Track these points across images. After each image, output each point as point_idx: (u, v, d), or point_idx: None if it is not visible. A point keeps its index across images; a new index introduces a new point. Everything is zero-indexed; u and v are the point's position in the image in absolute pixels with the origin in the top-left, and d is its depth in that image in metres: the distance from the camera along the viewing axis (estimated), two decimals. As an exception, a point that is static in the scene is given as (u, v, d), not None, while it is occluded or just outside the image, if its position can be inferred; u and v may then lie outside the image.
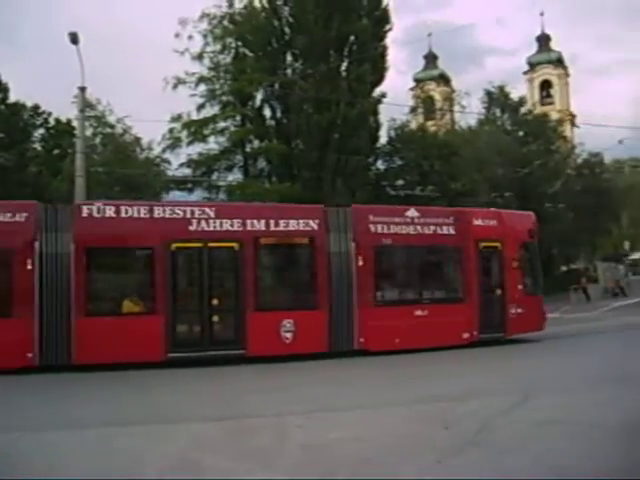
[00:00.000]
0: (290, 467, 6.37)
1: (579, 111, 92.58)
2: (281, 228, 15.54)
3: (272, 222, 15.46)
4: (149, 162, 31.65)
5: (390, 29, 35.25)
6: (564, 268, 49.84)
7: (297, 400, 9.79)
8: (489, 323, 17.01)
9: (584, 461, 6.21)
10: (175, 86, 32.74)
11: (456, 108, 49.82)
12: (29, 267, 13.61)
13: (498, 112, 47.28)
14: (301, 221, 15.73)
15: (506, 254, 17.62)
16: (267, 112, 34.72)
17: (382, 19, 34.62)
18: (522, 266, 17.99)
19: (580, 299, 35.80)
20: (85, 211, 14.41)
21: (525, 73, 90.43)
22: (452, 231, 16.96)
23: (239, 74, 32.85)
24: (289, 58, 34.60)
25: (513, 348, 16.64)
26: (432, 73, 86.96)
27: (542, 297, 18.55)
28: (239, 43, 34.12)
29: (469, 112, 44.66)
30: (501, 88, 46.76)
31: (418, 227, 16.65)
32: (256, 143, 33.96)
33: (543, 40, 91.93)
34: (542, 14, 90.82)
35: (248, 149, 33.83)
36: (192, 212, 15.00)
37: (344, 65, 33.14)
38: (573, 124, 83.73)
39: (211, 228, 14.95)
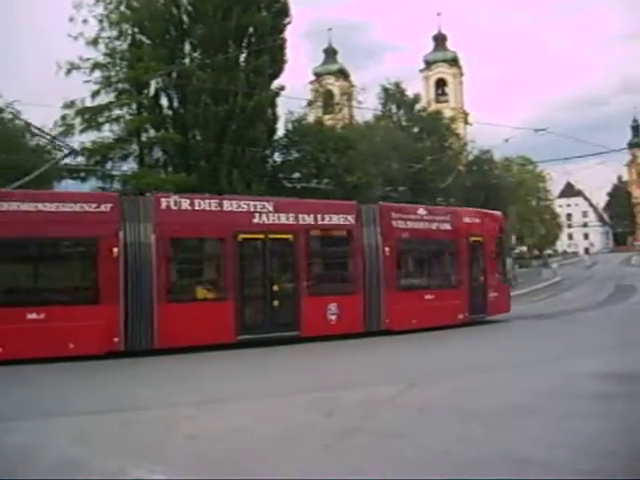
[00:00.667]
0: (174, 459, 6.36)
1: (474, 109, 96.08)
2: (326, 222, 17.56)
3: (319, 216, 17.44)
4: (40, 149, 30.57)
5: (290, 22, 35.26)
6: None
7: (190, 392, 9.85)
8: (476, 306, 20.30)
9: (460, 444, 6.58)
10: (69, 71, 31.67)
11: (354, 103, 50.85)
12: (115, 255, 14.51)
13: (394, 108, 48.38)
14: (341, 216, 17.82)
15: (486, 247, 21.13)
16: (164, 101, 34.17)
17: (281, 12, 34.59)
18: (497, 258, 21.80)
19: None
20: (164, 203, 15.51)
21: (421, 71, 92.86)
22: (450, 227, 20.12)
23: (135, 61, 32.17)
24: (187, 47, 34.13)
25: (403, 339, 17.26)
26: (331, 67, 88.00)
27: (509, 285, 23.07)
28: (136, 30, 33.34)
29: (365, 107, 45.49)
30: (397, 84, 47.87)
31: (427, 223, 19.68)
32: (152, 132, 33.33)
33: (439, 39, 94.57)
34: (439, 14, 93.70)
35: (144, 138, 33.16)
36: (255, 206, 16.65)
37: (243, 56, 32.98)
38: (466, 122, 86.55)
39: (270, 221, 16.66)
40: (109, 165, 33.25)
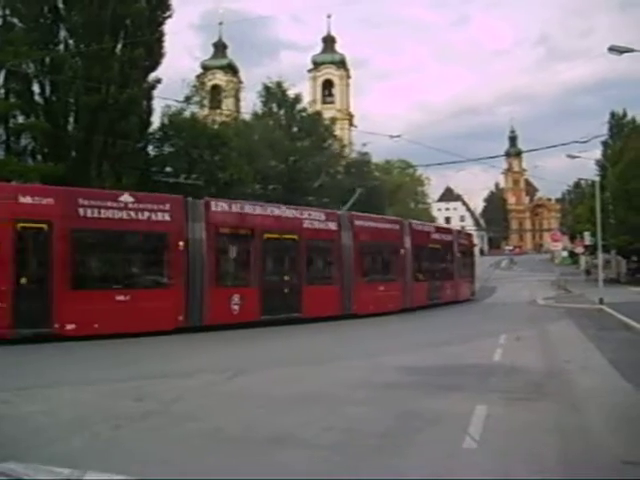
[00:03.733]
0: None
1: (359, 111, 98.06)
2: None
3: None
4: None
5: (170, 15, 35.16)
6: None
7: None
8: (466, 292, 32.54)
9: (240, 425, 7.27)
10: None
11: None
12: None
13: (275, 107, 48.92)
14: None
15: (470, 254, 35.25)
16: (36, 88, 33.35)
17: (161, 4, 34.46)
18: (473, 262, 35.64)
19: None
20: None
21: (310, 71, 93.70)
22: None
23: (6, 45, 31.29)
24: (62, 34, 33.47)
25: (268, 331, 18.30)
26: (220, 62, 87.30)
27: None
28: (7, 11, 32.45)
29: (244, 112, 45.92)
30: (279, 84, 48.37)
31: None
32: (21, 119, 32.50)
33: (328, 41, 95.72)
34: (329, 16, 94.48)
35: (11, 124, 32.31)
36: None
37: (119, 47, 32.63)
38: (351, 124, 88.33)
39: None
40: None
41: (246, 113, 49.46)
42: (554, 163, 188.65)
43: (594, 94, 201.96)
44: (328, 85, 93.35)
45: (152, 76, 33.91)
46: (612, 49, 26.41)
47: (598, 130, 70.11)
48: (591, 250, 42.68)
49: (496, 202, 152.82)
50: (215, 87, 60.32)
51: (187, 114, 37.69)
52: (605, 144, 57.56)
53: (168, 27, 34.75)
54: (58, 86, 31.56)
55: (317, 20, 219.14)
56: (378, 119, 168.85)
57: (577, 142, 34.47)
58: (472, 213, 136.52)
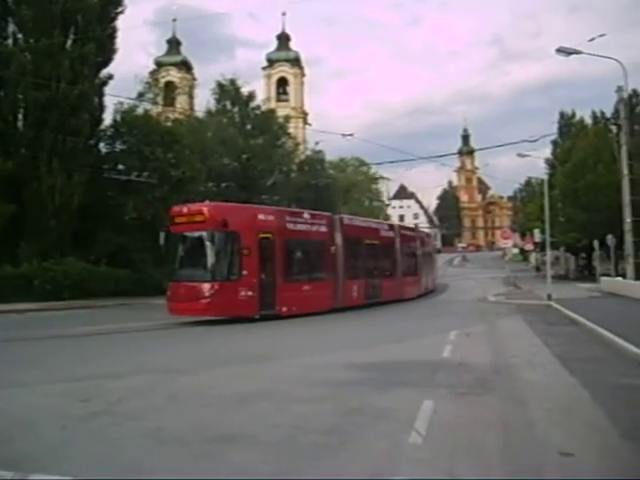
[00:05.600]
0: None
1: (314, 110, 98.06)
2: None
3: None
4: None
5: (122, 11, 34.81)
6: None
7: None
8: (412, 290, 33.24)
9: (185, 424, 7.29)
10: None
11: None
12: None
13: (229, 104, 48.65)
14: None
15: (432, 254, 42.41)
16: (-17, 82, 32.63)
17: (113, 0, 34.17)
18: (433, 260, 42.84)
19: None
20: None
21: (264, 69, 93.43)
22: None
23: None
24: (11, 28, 32.83)
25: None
26: (174, 59, 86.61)
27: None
28: (-49, 5, 31.73)
29: (197, 109, 45.56)
30: (232, 81, 48.12)
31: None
32: (-35, 115, 31.79)
33: (283, 39, 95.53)
34: (284, 14, 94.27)
35: (-45, 120, 31.57)
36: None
37: (69, 43, 32.15)
38: (305, 122, 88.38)
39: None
40: None
41: (200, 111, 49.28)
42: (506, 162, 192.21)
43: (544, 94, 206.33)
44: (282, 83, 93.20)
45: (104, 72, 33.67)
46: (560, 50, 27.04)
47: (548, 129, 71.41)
48: (541, 247, 43.45)
49: (449, 200, 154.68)
50: (169, 84, 60.04)
51: (140, 111, 37.36)
52: (555, 143, 58.75)
53: (121, 23, 34.58)
54: (6, 82, 31.03)
55: (273, 18, 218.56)
56: (333, 118, 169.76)
57: (527, 141, 35.31)
58: (426, 211, 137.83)
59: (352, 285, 25.99)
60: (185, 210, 20.57)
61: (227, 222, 19.71)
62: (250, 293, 20.23)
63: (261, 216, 22.01)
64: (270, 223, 22.00)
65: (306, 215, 24.71)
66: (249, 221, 21.07)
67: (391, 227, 34.40)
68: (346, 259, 25.66)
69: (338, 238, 25.29)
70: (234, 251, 20.08)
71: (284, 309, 21.28)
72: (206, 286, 19.48)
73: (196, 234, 20.24)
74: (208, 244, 19.78)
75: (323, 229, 24.85)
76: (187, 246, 20.92)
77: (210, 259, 19.80)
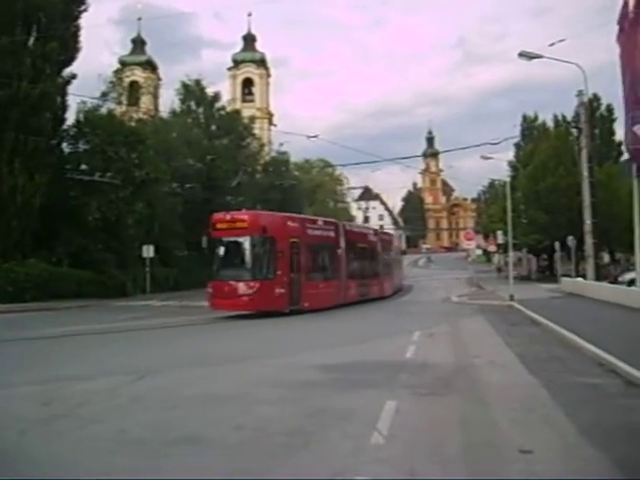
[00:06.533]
0: None
1: (279, 111, 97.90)
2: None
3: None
4: None
5: (85, 9, 34.41)
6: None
7: None
8: (398, 285, 39.92)
9: (148, 427, 7.23)
10: None
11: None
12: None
13: (194, 105, 48.48)
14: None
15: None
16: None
17: (77, -2, 33.76)
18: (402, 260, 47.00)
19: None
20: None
21: (230, 69, 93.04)
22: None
23: None
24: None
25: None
26: (139, 58, 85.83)
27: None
28: None
29: (162, 109, 45.17)
30: (197, 82, 47.95)
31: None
32: None
33: (249, 39, 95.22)
34: (250, 14, 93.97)
35: None
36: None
37: (31, 41, 31.67)
38: (271, 123, 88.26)
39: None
40: None
41: (164, 111, 48.96)
42: (470, 164, 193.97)
43: (508, 97, 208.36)
44: (248, 84, 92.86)
45: (67, 71, 33.23)
46: (522, 54, 27.41)
47: (511, 132, 72.19)
48: (504, 248, 43.98)
49: (414, 201, 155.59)
50: (133, 84, 59.41)
51: (103, 111, 36.99)
52: (517, 146, 59.49)
53: (85, 21, 34.15)
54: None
55: (238, 18, 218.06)
56: (299, 119, 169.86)
57: (490, 144, 35.59)
58: (390, 212, 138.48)
59: (351, 284, 29.36)
60: (228, 217, 23.49)
61: (266, 228, 22.75)
62: (282, 290, 23.13)
63: (290, 223, 25.22)
64: (296, 229, 25.03)
65: (320, 222, 28.60)
66: (282, 227, 24.15)
67: (375, 232, 38.54)
68: (348, 261, 29.15)
69: (342, 242, 28.72)
70: (271, 254, 22.94)
71: (306, 304, 24.14)
72: (249, 284, 22.30)
73: (240, 239, 22.98)
74: (250, 247, 22.75)
75: (332, 234, 28.31)
76: (230, 249, 23.47)
77: (252, 261, 22.80)
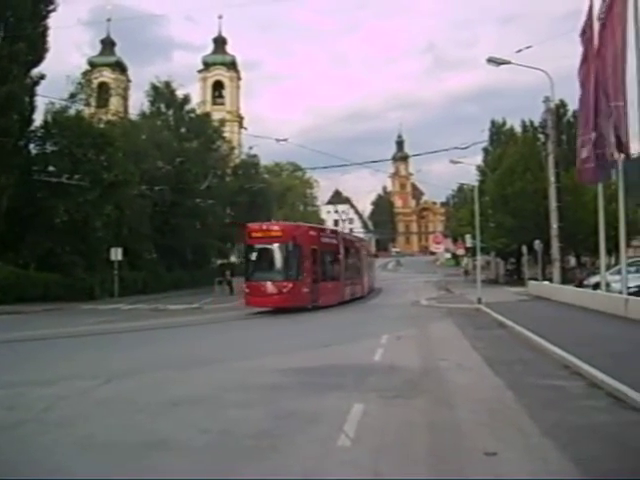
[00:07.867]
0: None
1: (250, 114, 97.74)
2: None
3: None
4: None
5: (54, 9, 34.06)
6: (219, 261, 51.94)
7: None
8: (372, 286, 42.21)
9: (115, 430, 7.24)
10: None
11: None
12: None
13: (163, 107, 48.22)
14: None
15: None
16: None
17: (45, -2, 33.40)
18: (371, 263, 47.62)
19: (224, 291, 38.19)
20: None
21: (200, 72, 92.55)
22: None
23: None
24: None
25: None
26: (108, 59, 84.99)
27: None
28: None
29: (131, 111, 44.84)
30: (167, 84, 47.71)
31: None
32: None
33: (219, 42, 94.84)
34: (220, 17, 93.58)
35: None
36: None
37: (-2, 41, 31.26)
38: (241, 126, 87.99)
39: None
40: None
41: (133, 113, 48.65)
42: (439, 168, 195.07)
43: (477, 102, 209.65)
44: (218, 86, 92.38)
45: (35, 72, 32.85)
46: (490, 60, 27.71)
47: (479, 137, 72.79)
48: (472, 252, 44.33)
49: (383, 205, 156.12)
50: (102, 85, 58.77)
51: (72, 112, 36.57)
52: (486, 151, 59.93)
53: (53, 21, 33.73)
54: None
55: (209, 21, 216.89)
56: (269, 122, 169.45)
57: (459, 148, 35.87)
58: (360, 216, 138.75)
59: (347, 284, 32.69)
60: (264, 227, 28.14)
61: (295, 237, 26.68)
62: (307, 290, 26.84)
63: (311, 232, 29.42)
64: (315, 237, 29.03)
65: (327, 231, 34.83)
66: (306, 236, 27.92)
67: (359, 239, 45.18)
68: (345, 264, 32.83)
69: (341, 248, 32.46)
70: (299, 259, 26.58)
71: (321, 301, 27.53)
72: (283, 284, 26.01)
73: (275, 246, 26.68)
74: (284, 253, 26.42)
75: (335, 241, 32.35)
76: (264, 255, 26.98)
77: (285, 264, 26.50)
